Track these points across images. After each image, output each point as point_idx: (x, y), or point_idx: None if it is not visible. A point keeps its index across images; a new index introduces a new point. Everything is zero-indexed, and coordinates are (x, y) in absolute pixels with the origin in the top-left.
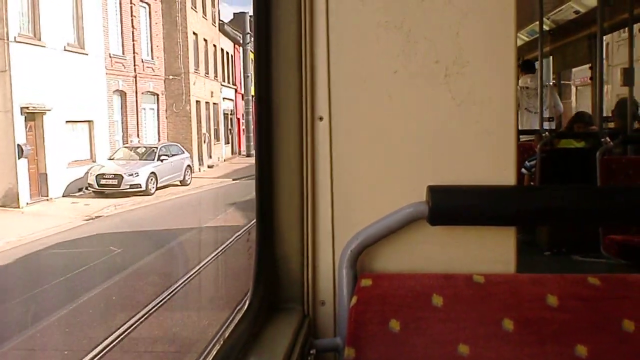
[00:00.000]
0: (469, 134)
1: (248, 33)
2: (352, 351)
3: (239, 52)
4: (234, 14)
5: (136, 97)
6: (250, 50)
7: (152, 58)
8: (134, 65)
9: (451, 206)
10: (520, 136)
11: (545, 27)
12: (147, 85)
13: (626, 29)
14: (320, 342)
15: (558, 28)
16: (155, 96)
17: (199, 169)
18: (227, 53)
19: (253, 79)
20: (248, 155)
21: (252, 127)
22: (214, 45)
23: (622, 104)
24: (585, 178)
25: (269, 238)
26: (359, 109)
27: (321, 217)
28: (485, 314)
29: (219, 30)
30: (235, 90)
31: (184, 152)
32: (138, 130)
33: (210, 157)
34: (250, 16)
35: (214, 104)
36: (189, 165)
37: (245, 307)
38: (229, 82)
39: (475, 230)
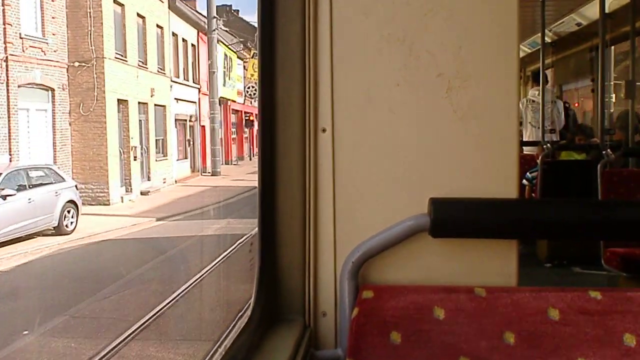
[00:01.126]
0: (470, 147)
1: (215, 17)
2: None
3: (207, 44)
4: (217, 6)
5: (7, 91)
6: (219, 40)
7: (44, 34)
8: (4, 42)
9: (453, 219)
10: (522, 147)
11: (547, 39)
12: (31, 74)
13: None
14: (321, 353)
15: (560, 40)
16: (50, 91)
17: (122, 198)
18: (186, 41)
19: (257, 89)
20: (214, 174)
21: (219, 137)
22: (159, 27)
23: (624, 117)
24: (586, 190)
25: (271, 248)
26: (362, 121)
27: (323, 228)
28: (486, 327)
29: (170, 8)
30: (199, 90)
31: (62, 180)
32: (10, 143)
33: (149, 179)
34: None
35: (158, 105)
36: (71, 201)
37: (247, 317)
38: (188, 79)
39: (477, 243)
